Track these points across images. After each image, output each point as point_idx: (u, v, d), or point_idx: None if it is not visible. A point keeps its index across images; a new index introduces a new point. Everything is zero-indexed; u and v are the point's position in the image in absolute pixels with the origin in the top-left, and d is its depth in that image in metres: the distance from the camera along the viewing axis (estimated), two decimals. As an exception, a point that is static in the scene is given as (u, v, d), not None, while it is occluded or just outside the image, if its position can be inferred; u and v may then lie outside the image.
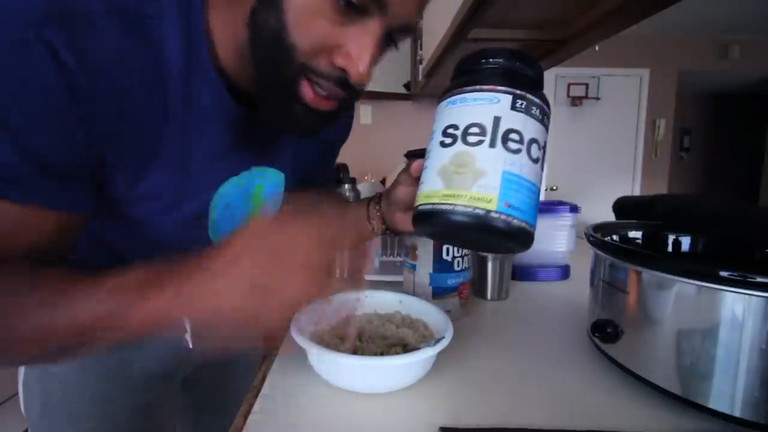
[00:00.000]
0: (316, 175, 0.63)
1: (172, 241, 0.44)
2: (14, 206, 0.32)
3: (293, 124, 0.41)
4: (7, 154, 0.31)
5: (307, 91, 0.37)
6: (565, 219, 0.85)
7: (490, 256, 0.72)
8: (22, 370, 0.53)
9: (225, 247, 0.32)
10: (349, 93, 0.38)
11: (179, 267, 0.32)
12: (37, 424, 0.52)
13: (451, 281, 0.62)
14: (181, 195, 0.43)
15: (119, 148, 0.36)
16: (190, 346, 0.58)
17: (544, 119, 0.36)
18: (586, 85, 3.76)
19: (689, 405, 0.38)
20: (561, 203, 0.88)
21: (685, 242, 0.53)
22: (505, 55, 0.37)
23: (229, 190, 0.47)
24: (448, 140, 0.36)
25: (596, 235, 0.49)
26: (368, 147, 2.37)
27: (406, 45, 2.06)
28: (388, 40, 0.38)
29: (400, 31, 0.37)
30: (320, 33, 0.34)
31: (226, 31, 0.38)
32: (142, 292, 0.32)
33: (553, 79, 3.67)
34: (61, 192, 0.34)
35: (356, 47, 0.35)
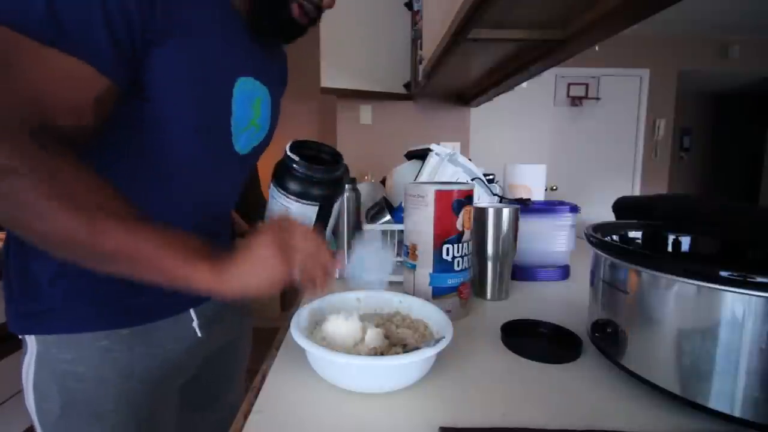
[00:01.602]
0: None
1: (199, 168, 0.53)
2: (69, 59, 0.38)
3: (281, 32, 0.57)
4: (88, 10, 0.38)
5: (295, 8, 0.54)
6: (565, 219, 0.85)
7: (490, 256, 0.72)
8: (30, 372, 0.50)
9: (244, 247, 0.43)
10: (318, 15, 0.57)
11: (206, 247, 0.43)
12: (55, 425, 0.51)
13: (451, 281, 0.62)
14: (210, 71, 0.50)
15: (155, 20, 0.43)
16: (199, 335, 0.60)
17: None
18: (586, 85, 3.76)
19: (689, 405, 0.38)
20: (561, 203, 0.88)
21: (685, 242, 0.53)
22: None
23: (245, 85, 0.55)
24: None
25: (596, 235, 0.49)
26: (368, 147, 2.37)
27: (406, 45, 2.06)
28: None
29: None
30: None
31: None
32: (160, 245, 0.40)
33: (553, 79, 3.68)
34: (113, 58, 0.40)
35: None
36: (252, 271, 0.42)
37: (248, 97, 0.56)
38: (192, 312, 0.59)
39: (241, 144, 0.58)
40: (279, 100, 0.69)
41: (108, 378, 0.51)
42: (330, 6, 0.57)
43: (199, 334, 0.60)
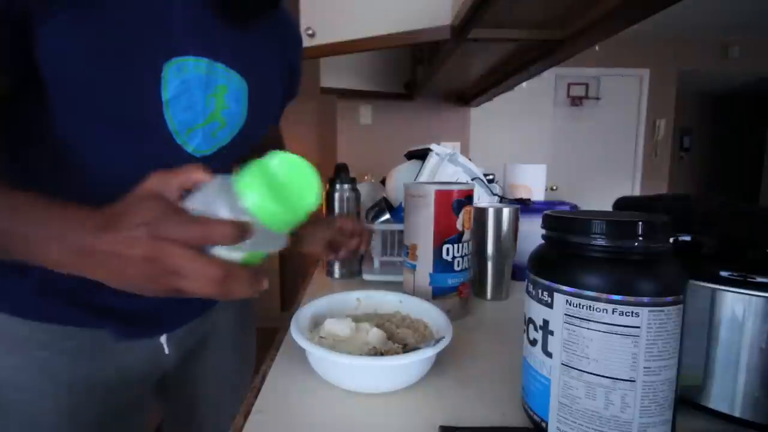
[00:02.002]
0: (271, 109, 0.61)
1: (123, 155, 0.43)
2: None
3: (246, 3, 0.47)
4: None
5: None
6: (565, 219, 0.84)
7: (490, 256, 0.72)
8: None
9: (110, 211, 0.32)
10: None
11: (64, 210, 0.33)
12: None
13: (451, 281, 0.62)
14: (123, 50, 0.40)
15: None
16: (166, 352, 0.57)
17: None
18: (586, 85, 3.76)
19: (689, 405, 0.38)
20: (561, 203, 0.88)
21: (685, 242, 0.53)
22: None
23: (186, 67, 0.45)
24: None
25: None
26: (368, 147, 2.37)
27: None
28: None
29: None
30: None
31: None
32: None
33: (553, 79, 3.68)
34: None
35: None
36: (118, 282, 0.32)
37: (198, 84, 0.46)
38: (163, 337, 0.56)
39: (197, 143, 0.49)
40: (269, 95, 0.59)
41: (47, 391, 0.48)
42: None
43: (167, 351, 0.57)
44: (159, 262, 0.30)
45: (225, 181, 0.33)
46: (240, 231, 0.30)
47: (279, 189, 0.32)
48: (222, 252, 0.32)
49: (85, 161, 0.44)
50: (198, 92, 0.46)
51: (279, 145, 0.79)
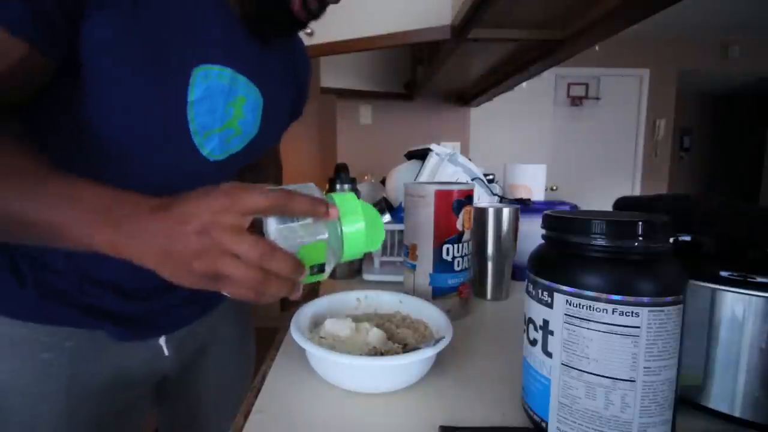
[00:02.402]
0: (277, 125, 0.65)
1: (147, 150, 0.46)
2: None
3: (276, 24, 0.52)
4: None
5: (296, 3, 0.49)
6: (565, 219, 0.84)
7: (490, 256, 0.72)
8: None
9: (169, 202, 0.33)
10: (321, 11, 0.53)
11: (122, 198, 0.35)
12: None
13: (451, 281, 0.62)
14: (160, 51, 0.43)
15: None
16: (166, 353, 0.57)
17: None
18: (586, 85, 3.77)
19: (689, 405, 0.38)
20: (561, 203, 0.88)
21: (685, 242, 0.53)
22: None
23: (211, 75, 0.48)
24: None
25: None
26: (368, 147, 2.37)
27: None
28: None
29: None
30: None
31: None
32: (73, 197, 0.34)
33: (554, 79, 3.68)
34: (32, 21, 0.36)
35: None
36: (162, 263, 0.33)
37: (221, 92, 0.49)
38: (162, 339, 0.56)
39: (212, 147, 0.51)
40: (280, 111, 0.63)
41: (49, 394, 0.48)
42: (336, 1, 0.52)
43: (166, 352, 0.57)
44: (210, 237, 0.31)
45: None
46: (324, 208, 0.34)
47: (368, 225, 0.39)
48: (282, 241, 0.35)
49: (109, 154, 0.45)
50: (219, 99, 0.50)
51: (276, 162, 0.83)
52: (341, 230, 0.38)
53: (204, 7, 0.48)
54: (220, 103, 0.50)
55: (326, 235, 0.36)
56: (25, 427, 0.48)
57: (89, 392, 0.51)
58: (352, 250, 0.39)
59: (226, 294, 0.34)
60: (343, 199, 0.38)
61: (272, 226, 0.35)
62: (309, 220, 0.36)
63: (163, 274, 0.33)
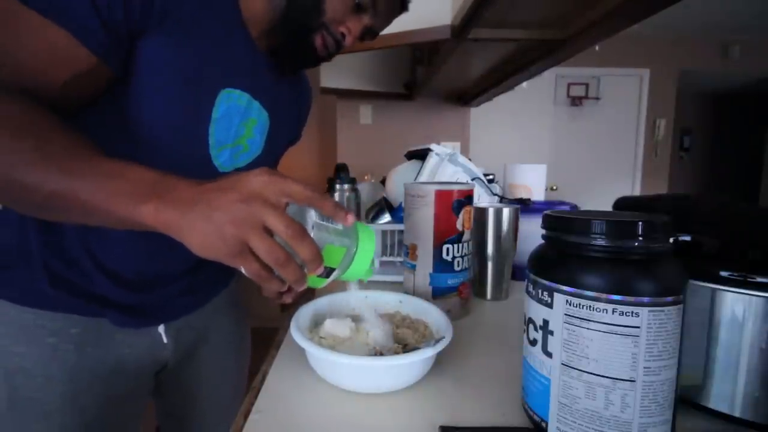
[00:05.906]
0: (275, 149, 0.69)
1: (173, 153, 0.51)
2: (53, 28, 0.38)
3: (299, 60, 0.59)
4: None
5: (318, 41, 0.56)
6: (565, 219, 0.84)
7: (490, 256, 0.72)
8: None
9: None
10: (336, 50, 0.59)
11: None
12: (4, 416, 0.50)
13: (451, 281, 0.62)
14: (197, 73, 0.49)
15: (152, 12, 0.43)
16: (164, 341, 0.59)
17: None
18: (586, 85, 3.77)
19: (689, 405, 0.38)
20: (561, 203, 0.88)
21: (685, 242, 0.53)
22: None
23: (232, 98, 0.54)
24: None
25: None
26: (368, 147, 2.37)
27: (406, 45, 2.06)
28: (364, 32, 0.60)
29: (371, 32, 0.61)
30: (340, 10, 0.55)
31: None
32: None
33: (554, 79, 3.68)
34: (100, 34, 0.40)
35: (354, 26, 0.57)
36: (197, 228, 0.35)
37: (237, 112, 0.55)
38: (161, 327, 0.59)
39: (223, 160, 0.56)
40: (282, 135, 0.67)
41: (55, 376, 0.50)
42: (349, 45, 0.59)
43: (165, 340, 0.59)
44: (252, 206, 0.34)
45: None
46: (344, 211, 0.39)
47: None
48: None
49: (136, 156, 0.48)
50: (235, 118, 0.55)
51: None
52: (355, 251, 0.43)
53: (235, 40, 0.54)
54: (235, 122, 0.55)
55: (349, 245, 0.42)
56: (31, 407, 0.50)
57: (93, 377, 0.53)
58: (354, 269, 0.44)
59: (241, 270, 0.37)
60: (365, 228, 0.44)
61: (313, 216, 0.40)
62: (340, 227, 0.41)
63: (193, 245, 0.36)
